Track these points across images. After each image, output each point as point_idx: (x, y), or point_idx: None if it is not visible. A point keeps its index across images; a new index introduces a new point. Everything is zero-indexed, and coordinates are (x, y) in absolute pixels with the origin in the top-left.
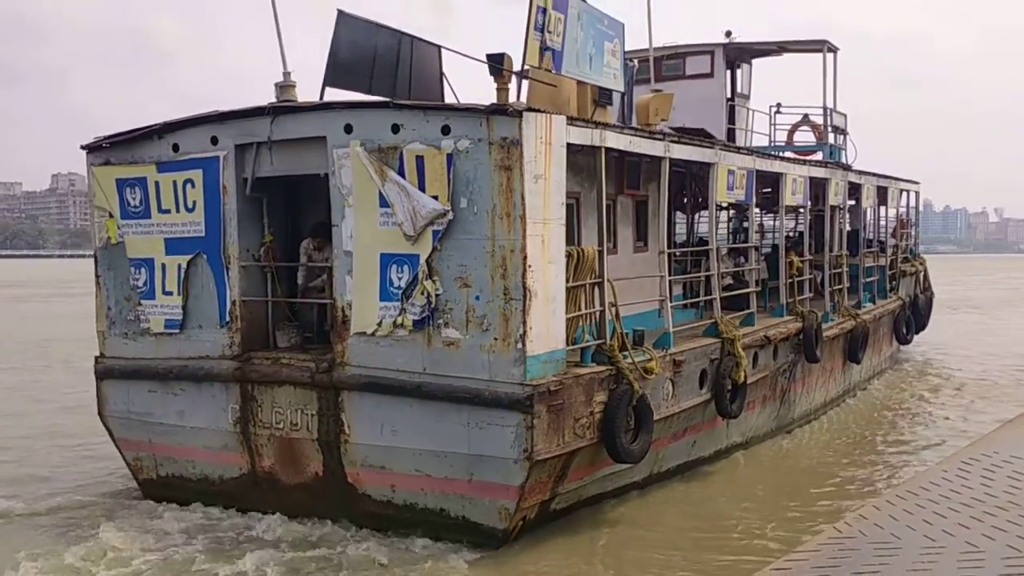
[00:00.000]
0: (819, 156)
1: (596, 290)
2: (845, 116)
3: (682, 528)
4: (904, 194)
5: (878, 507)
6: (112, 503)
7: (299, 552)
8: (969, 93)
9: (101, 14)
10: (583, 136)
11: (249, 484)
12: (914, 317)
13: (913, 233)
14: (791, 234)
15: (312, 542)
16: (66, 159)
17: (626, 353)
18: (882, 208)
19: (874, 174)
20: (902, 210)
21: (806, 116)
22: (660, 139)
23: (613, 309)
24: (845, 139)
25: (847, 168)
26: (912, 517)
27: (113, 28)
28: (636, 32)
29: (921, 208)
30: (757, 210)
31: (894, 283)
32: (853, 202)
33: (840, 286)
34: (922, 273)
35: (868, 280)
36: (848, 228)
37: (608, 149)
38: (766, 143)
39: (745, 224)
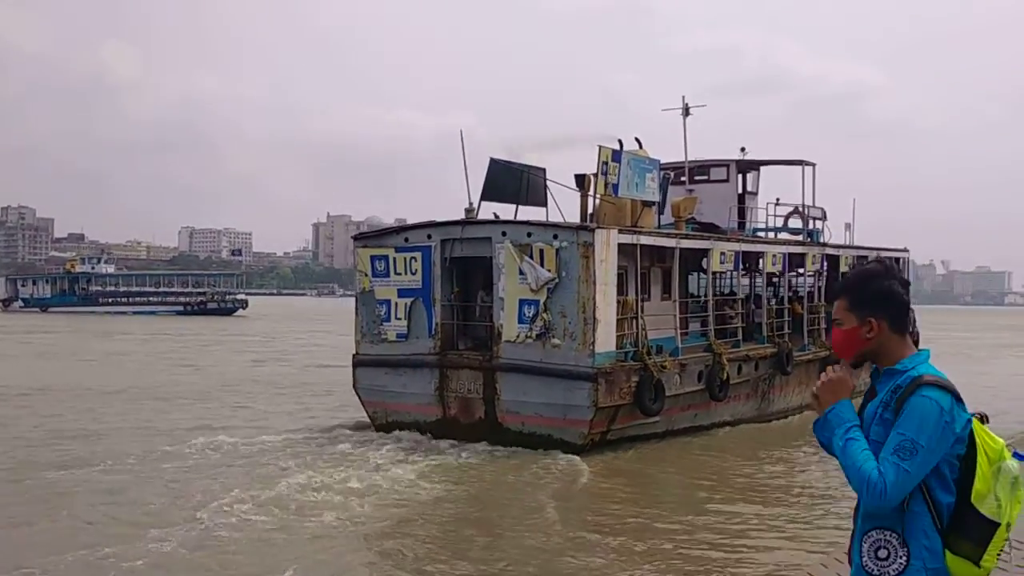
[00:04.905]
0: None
1: (634, 321)
2: (822, 209)
3: (685, 458)
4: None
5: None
6: (360, 433)
7: (476, 453)
8: (917, 147)
9: (56, 47)
10: (627, 238)
11: (441, 424)
12: None
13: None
14: (797, 289)
15: (483, 451)
16: (14, 193)
17: (650, 356)
18: None
19: (853, 247)
20: None
21: (796, 208)
22: (673, 236)
23: (644, 332)
24: (823, 224)
25: (824, 244)
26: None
27: (65, 57)
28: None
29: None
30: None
31: None
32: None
33: (816, 327)
34: None
35: None
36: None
37: (642, 244)
38: (766, 225)
39: (774, 280)
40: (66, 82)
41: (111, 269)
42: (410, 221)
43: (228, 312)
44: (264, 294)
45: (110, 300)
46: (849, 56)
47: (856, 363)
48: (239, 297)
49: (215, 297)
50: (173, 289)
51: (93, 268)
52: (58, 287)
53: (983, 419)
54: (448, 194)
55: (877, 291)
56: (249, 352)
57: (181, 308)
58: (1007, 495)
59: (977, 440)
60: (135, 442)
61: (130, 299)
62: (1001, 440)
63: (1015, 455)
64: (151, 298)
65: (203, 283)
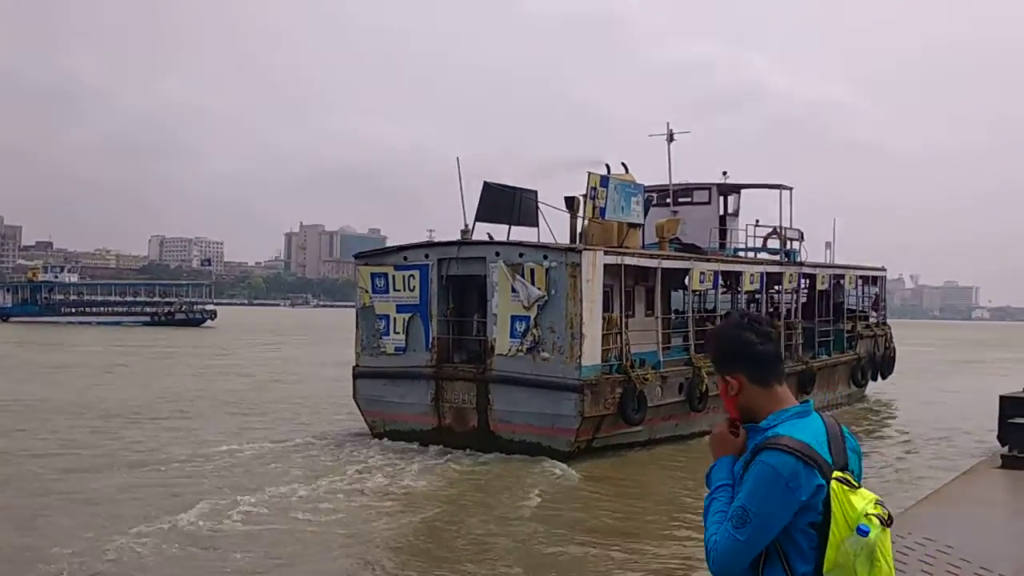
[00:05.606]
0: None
1: (619, 336)
2: (799, 230)
3: (665, 464)
4: (876, 279)
5: None
6: (360, 440)
7: (469, 460)
8: (885, 161)
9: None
10: (612, 259)
11: (436, 433)
12: (873, 368)
13: (884, 307)
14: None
15: (475, 458)
16: None
17: (634, 369)
18: (865, 288)
19: (831, 265)
20: (876, 290)
21: (775, 229)
22: (656, 256)
23: (627, 346)
24: (800, 245)
25: (801, 264)
26: None
27: (35, 61)
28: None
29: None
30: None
31: (853, 342)
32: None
33: (792, 343)
34: (884, 336)
35: (823, 339)
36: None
37: (626, 264)
38: (745, 246)
39: (757, 296)
40: (35, 87)
41: (75, 278)
42: (383, 232)
43: (196, 323)
44: (235, 304)
45: (73, 310)
46: (822, 75)
47: (745, 421)
48: (207, 308)
49: (183, 307)
50: (140, 299)
51: (56, 277)
52: (19, 296)
53: (848, 483)
54: (421, 206)
55: (728, 345)
56: (206, 366)
57: (148, 319)
58: (865, 568)
59: (833, 507)
60: (56, 460)
61: (94, 309)
62: (861, 507)
63: (859, 530)
64: (116, 308)
65: (171, 293)
